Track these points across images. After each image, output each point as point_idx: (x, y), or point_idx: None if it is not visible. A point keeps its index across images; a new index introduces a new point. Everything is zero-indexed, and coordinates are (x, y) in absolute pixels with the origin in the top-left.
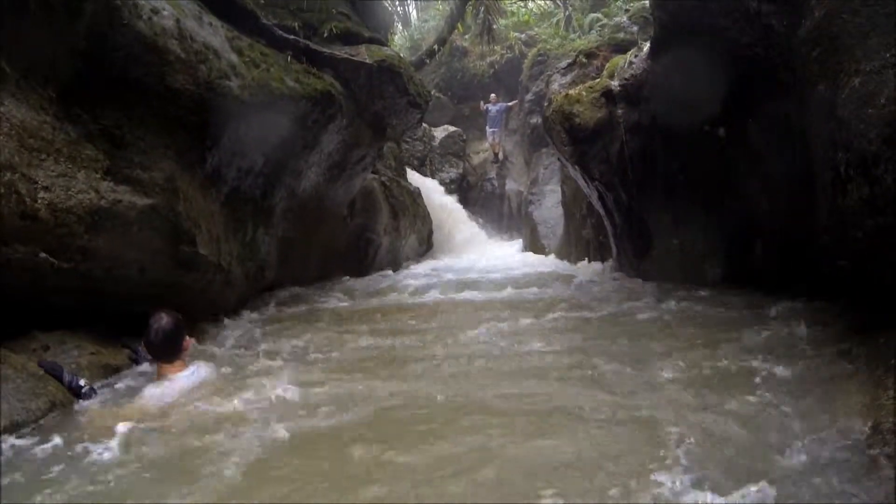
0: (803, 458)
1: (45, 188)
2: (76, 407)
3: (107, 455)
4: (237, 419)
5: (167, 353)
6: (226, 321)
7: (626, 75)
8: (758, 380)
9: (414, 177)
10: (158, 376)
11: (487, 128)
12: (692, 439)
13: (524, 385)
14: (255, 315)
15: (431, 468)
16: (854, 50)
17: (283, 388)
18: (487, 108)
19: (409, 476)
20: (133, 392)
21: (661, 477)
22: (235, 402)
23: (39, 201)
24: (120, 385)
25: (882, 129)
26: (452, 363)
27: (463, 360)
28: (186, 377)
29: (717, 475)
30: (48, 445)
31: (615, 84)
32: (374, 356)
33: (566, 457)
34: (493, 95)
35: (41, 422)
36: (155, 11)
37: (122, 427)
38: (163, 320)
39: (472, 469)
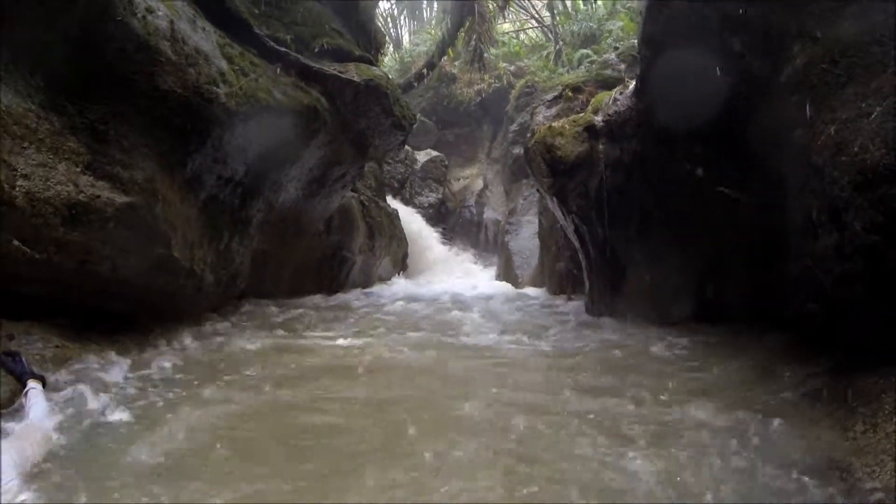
0: None
1: (25, 176)
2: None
3: None
4: None
5: None
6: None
7: (611, 111)
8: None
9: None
10: None
11: None
12: None
13: None
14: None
15: None
16: (831, 99)
17: None
18: None
19: None
20: None
21: None
22: None
23: (17, 189)
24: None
25: (854, 177)
26: None
27: None
28: None
29: None
30: None
31: (599, 119)
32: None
33: None
34: None
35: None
36: (150, 10)
37: None
38: None
39: None
